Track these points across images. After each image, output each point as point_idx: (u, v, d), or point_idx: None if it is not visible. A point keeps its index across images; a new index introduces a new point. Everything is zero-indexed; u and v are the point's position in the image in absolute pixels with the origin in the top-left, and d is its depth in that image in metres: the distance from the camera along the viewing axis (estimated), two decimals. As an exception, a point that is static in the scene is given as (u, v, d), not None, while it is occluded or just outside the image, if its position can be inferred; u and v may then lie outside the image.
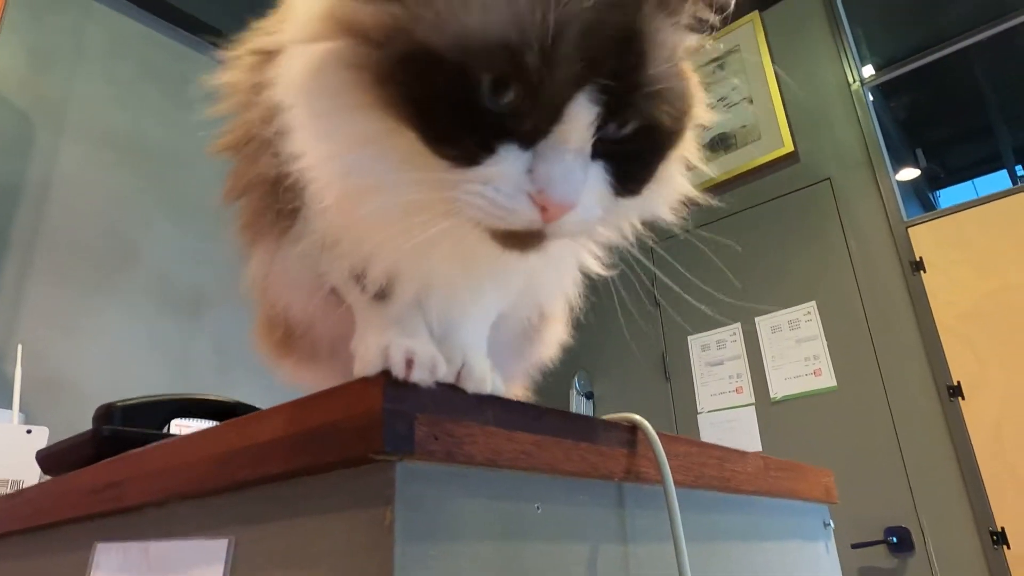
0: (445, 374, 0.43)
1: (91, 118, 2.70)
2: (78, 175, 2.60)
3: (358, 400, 0.41)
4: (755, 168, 3.38)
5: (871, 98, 3.29)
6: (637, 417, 0.61)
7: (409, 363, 0.40)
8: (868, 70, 3.44)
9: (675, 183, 0.49)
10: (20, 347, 1.74)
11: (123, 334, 2.58)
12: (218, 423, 1.08)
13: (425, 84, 0.36)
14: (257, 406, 1.01)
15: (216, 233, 3.08)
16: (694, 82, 0.46)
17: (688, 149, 0.48)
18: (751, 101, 3.51)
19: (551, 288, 0.57)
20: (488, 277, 0.48)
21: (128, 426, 0.83)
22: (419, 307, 0.49)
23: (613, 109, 0.37)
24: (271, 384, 3.05)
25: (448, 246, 0.43)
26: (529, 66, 0.35)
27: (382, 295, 0.48)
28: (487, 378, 0.45)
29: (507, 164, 0.37)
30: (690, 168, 0.51)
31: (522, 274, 0.50)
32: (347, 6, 0.38)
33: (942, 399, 2.61)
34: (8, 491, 1.56)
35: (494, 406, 0.46)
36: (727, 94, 3.62)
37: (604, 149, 0.39)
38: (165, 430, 0.88)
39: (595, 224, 0.41)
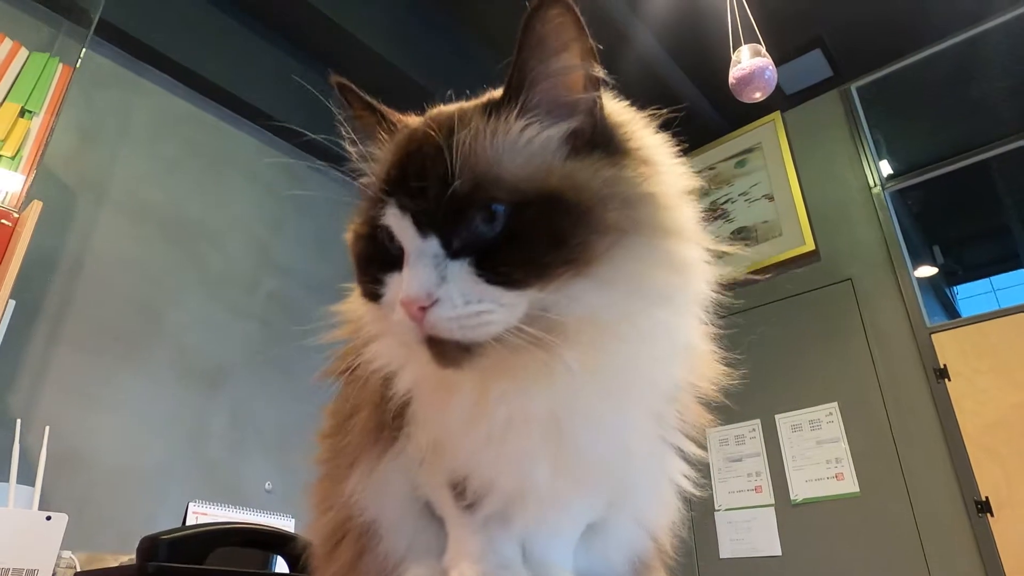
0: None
1: (131, 193, 2.78)
2: (113, 248, 2.66)
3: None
4: (775, 264, 3.41)
5: (891, 202, 3.34)
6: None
7: None
8: (885, 166, 3.51)
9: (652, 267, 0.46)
10: (47, 429, 1.74)
11: (142, 406, 2.58)
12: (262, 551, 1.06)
13: (361, 260, 0.51)
14: (296, 534, 1.00)
15: (240, 310, 3.12)
16: (586, 171, 0.46)
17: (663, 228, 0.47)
18: (771, 198, 3.57)
19: (647, 499, 0.56)
20: (573, 455, 0.47)
21: (172, 559, 0.83)
22: (509, 526, 0.49)
23: (428, 216, 0.44)
24: (282, 463, 3.03)
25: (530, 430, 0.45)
26: (379, 210, 0.47)
27: (474, 505, 0.48)
28: (575, 602, 0.46)
29: (391, 288, 0.47)
30: (717, 255, 0.51)
31: (611, 467, 0.50)
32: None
33: (970, 514, 2.54)
34: (23, 582, 1.53)
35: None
36: (748, 190, 3.70)
37: (478, 246, 0.43)
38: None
39: (473, 315, 0.42)
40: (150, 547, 0.83)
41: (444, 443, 0.48)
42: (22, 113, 2.17)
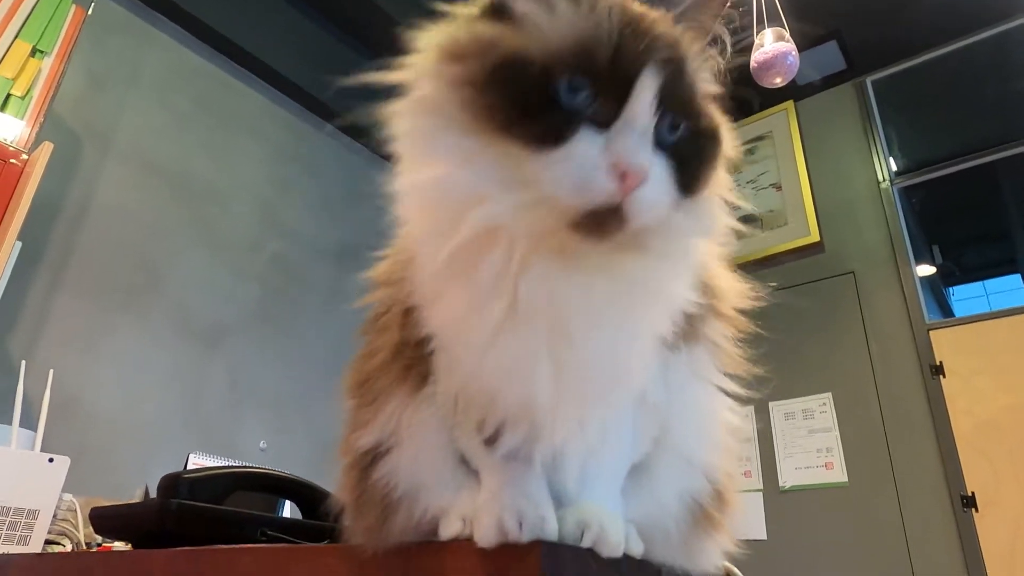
0: (579, 539, 0.44)
1: (138, 144, 2.75)
2: (118, 199, 2.63)
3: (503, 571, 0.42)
4: (779, 253, 3.42)
5: (898, 198, 3.34)
6: (732, 567, 0.63)
7: (520, 525, 0.42)
8: (893, 161, 3.51)
9: (718, 210, 0.52)
10: (51, 372, 1.74)
11: (141, 359, 2.57)
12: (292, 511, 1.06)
13: (511, 88, 0.42)
14: (313, 483, 1.00)
15: (242, 270, 3.09)
16: (724, 124, 0.51)
17: (724, 184, 0.53)
18: (779, 187, 3.57)
19: (693, 435, 0.55)
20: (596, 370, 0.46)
21: (193, 499, 0.83)
22: (531, 463, 0.48)
23: (669, 94, 0.43)
24: (279, 424, 3.04)
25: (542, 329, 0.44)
26: (600, 63, 0.42)
27: (495, 440, 0.48)
28: (622, 542, 0.46)
29: (585, 143, 0.41)
30: (731, 206, 0.55)
31: (614, 383, 0.48)
32: (450, 35, 0.47)
33: (955, 508, 2.58)
34: (24, 520, 1.54)
35: (625, 566, 0.47)
36: (756, 177, 3.69)
37: (661, 147, 0.44)
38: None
39: (666, 210, 0.43)
40: (171, 485, 0.83)
41: (455, 349, 0.47)
42: (33, 52, 2.13)
